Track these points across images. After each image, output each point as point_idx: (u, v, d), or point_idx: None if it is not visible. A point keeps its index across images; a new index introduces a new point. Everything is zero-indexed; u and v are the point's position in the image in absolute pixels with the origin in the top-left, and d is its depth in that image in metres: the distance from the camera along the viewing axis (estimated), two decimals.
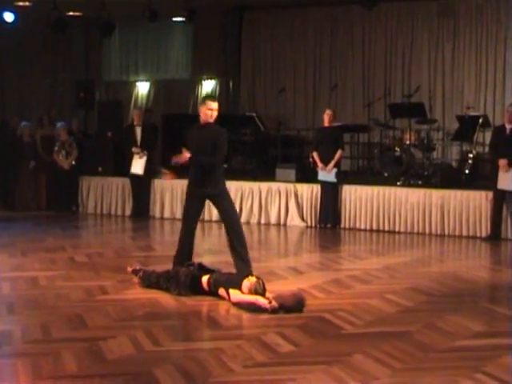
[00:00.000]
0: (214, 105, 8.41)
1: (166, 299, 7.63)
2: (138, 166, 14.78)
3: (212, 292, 7.66)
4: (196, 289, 7.76)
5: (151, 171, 15.10)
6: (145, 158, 14.77)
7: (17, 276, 8.84)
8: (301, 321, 6.85)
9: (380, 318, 7.00)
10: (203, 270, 8.01)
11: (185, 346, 6.04)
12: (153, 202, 15.04)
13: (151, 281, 8.14)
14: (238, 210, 13.96)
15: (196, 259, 9.39)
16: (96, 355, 5.76)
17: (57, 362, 5.57)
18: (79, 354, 5.77)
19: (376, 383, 5.21)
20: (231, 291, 7.43)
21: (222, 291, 7.56)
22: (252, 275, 7.62)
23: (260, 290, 7.36)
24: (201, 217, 13.30)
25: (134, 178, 14.86)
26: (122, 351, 5.86)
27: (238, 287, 7.43)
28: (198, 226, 12.85)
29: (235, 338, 6.27)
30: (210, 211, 14.24)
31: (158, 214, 14.94)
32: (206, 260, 9.30)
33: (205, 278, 7.74)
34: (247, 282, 7.42)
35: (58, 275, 8.91)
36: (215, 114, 8.42)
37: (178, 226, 13.67)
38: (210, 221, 14.18)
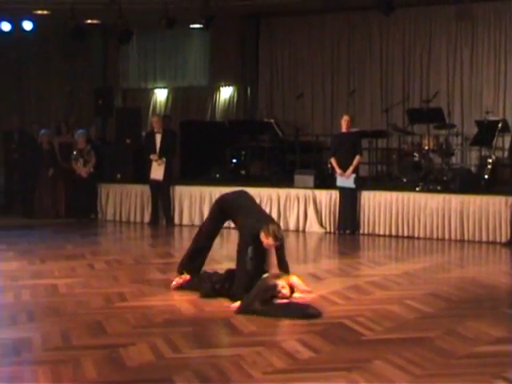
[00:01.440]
0: (277, 243, 7.94)
1: (184, 306, 7.65)
2: (157, 171, 14.83)
3: None
4: None
5: (171, 178, 15.13)
6: (164, 165, 14.81)
7: (36, 283, 8.88)
8: (320, 327, 6.85)
9: (400, 324, 6.98)
10: None
11: (204, 353, 6.05)
12: (172, 209, 15.06)
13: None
14: None
15: (214, 266, 9.45)
16: (116, 362, 5.78)
17: (77, 370, 5.59)
18: (99, 361, 5.79)
19: None
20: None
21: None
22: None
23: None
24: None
25: (154, 185, 14.90)
26: (142, 358, 5.88)
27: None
28: None
29: (255, 344, 6.27)
30: None
31: (176, 221, 14.98)
32: (225, 266, 9.30)
33: None
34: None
35: (77, 282, 8.95)
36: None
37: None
38: (229, 227, 14.18)
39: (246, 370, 5.56)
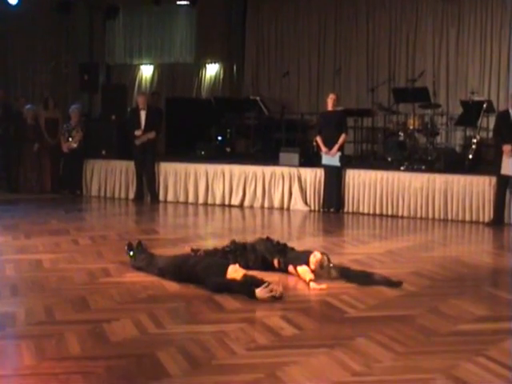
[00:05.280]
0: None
1: (169, 282, 7.63)
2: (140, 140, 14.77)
3: (282, 270, 8.09)
4: (267, 267, 8.14)
5: (155, 154, 15.07)
6: (151, 136, 14.71)
7: (20, 258, 8.85)
8: (304, 304, 6.87)
9: (383, 302, 7.01)
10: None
11: (188, 329, 6.05)
12: (156, 185, 15.00)
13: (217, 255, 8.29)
14: (241, 194, 14.08)
15: (199, 242, 9.49)
16: (99, 337, 5.78)
17: (60, 344, 5.59)
18: (83, 336, 5.79)
19: (378, 366, 5.22)
20: (299, 269, 7.80)
21: (291, 268, 7.98)
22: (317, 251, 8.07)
23: (325, 265, 7.82)
24: (204, 200, 13.46)
25: (139, 161, 14.81)
26: (126, 333, 5.88)
27: (306, 264, 7.82)
28: (201, 209, 13.07)
29: (238, 321, 6.27)
30: (214, 194, 14.29)
31: (161, 198, 14.93)
32: (209, 244, 9.32)
33: (275, 260, 8.16)
34: (313, 258, 7.86)
35: (61, 258, 8.92)
36: None
37: (182, 209, 13.88)
38: (214, 204, 14.22)
39: (229, 346, 5.57)
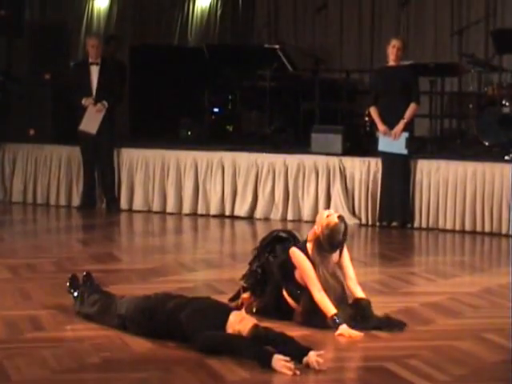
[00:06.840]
0: None
1: (135, 338, 7.57)
2: (91, 121, 14.71)
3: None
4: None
5: (114, 136, 15.08)
6: (103, 113, 14.71)
7: None
8: (352, 374, 6.84)
9: (476, 371, 6.95)
10: None
11: None
12: (116, 184, 15.03)
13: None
14: (250, 198, 14.09)
15: (185, 276, 9.47)
16: None
17: None
18: None
19: None
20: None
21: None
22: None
23: (341, 229, 8.01)
24: (191, 208, 13.47)
25: (88, 146, 14.82)
26: None
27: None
28: (187, 222, 13.08)
29: None
30: (207, 199, 14.29)
31: (124, 204, 14.94)
32: (201, 277, 9.29)
33: None
34: (322, 219, 8.06)
35: None
36: None
37: (156, 222, 13.88)
38: (207, 215, 14.22)
39: None
